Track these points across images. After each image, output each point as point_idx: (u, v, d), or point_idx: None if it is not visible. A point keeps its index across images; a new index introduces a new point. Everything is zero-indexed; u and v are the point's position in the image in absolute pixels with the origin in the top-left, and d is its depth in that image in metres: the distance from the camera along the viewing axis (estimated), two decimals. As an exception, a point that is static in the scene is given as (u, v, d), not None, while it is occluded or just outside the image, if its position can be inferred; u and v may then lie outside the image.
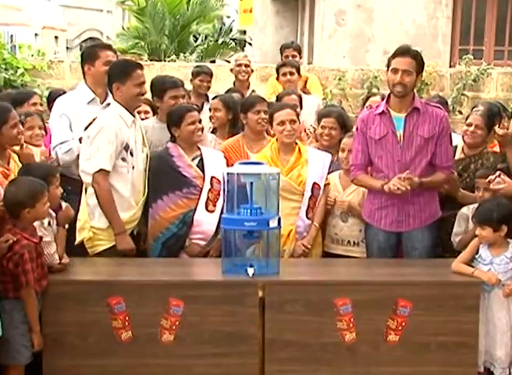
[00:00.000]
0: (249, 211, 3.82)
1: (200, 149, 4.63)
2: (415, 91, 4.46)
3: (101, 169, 4.25)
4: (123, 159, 4.34)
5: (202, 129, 4.64)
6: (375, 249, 4.47)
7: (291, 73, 6.33)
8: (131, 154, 4.37)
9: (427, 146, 4.32)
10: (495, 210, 3.88)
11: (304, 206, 4.54)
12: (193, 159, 4.56)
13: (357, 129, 4.51)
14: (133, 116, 4.47)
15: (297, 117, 4.68)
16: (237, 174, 3.86)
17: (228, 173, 3.92)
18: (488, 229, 3.88)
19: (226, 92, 6.22)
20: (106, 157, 4.26)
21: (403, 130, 4.32)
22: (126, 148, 4.34)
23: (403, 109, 4.34)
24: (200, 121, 4.61)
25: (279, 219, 3.91)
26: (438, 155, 4.35)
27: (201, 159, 4.57)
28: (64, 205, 4.03)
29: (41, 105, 5.41)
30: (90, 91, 4.78)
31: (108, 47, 5.00)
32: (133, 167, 4.40)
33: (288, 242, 4.49)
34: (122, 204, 4.33)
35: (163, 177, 4.48)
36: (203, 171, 4.52)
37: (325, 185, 4.62)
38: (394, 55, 4.30)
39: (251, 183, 3.86)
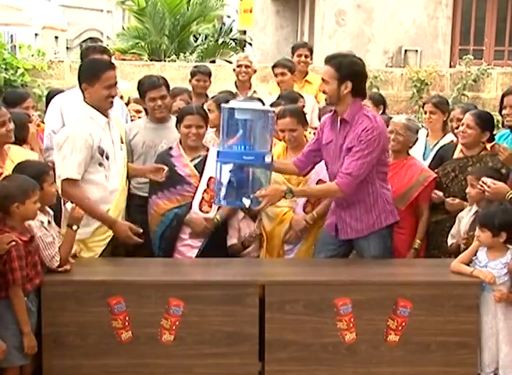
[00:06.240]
0: (242, 147, 3.85)
1: (207, 150, 4.62)
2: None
3: (67, 179, 4.12)
4: (100, 164, 4.21)
5: (198, 134, 4.55)
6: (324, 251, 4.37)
7: (283, 74, 6.44)
8: (107, 157, 4.25)
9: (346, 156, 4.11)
10: (497, 215, 3.83)
11: (302, 200, 4.54)
12: (193, 159, 4.57)
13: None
14: (106, 116, 4.30)
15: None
16: (232, 109, 3.88)
17: (224, 108, 3.93)
18: (488, 233, 3.84)
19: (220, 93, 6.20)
20: (74, 165, 4.11)
21: (336, 140, 4.17)
22: (102, 152, 4.21)
23: (338, 118, 4.17)
24: (198, 126, 4.53)
25: (272, 157, 4.05)
26: (344, 162, 4.07)
27: (205, 160, 4.57)
28: (70, 205, 3.98)
29: (35, 107, 5.42)
30: None
31: (102, 51, 4.84)
32: (110, 170, 4.29)
33: (283, 222, 4.53)
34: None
35: None
36: (203, 171, 4.52)
37: None
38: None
39: (245, 119, 3.87)
